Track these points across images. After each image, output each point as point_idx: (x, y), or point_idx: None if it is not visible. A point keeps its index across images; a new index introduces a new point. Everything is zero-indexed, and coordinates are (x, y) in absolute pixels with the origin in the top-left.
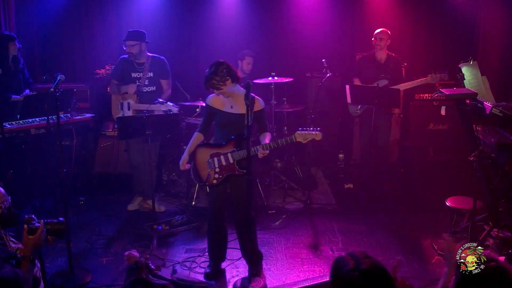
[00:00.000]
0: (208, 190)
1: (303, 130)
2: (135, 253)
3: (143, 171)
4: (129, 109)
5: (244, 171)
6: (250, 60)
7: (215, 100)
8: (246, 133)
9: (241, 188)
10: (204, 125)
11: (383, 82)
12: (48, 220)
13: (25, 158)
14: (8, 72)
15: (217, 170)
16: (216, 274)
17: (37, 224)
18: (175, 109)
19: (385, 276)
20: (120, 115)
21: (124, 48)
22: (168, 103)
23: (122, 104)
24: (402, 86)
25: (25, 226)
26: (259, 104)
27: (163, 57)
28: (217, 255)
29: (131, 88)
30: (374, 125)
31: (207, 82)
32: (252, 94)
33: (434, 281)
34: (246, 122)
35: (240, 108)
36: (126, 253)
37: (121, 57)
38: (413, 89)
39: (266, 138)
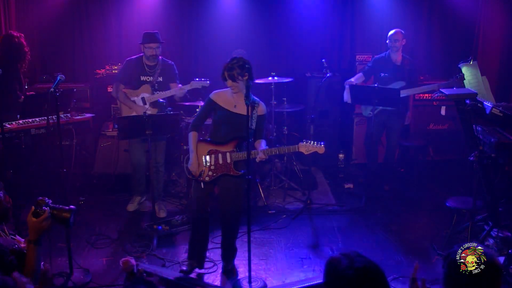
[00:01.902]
0: (202, 186)
1: (307, 141)
2: (132, 260)
3: (144, 171)
4: (145, 103)
5: (239, 172)
6: None
7: (220, 97)
8: (247, 136)
9: (231, 189)
10: (198, 121)
11: (400, 84)
12: (57, 206)
13: (25, 158)
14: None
15: (212, 168)
16: (234, 268)
17: (44, 208)
18: (206, 83)
19: (379, 273)
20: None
21: (145, 52)
22: (196, 79)
23: (135, 101)
24: (423, 89)
25: (33, 207)
26: (262, 109)
27: (171, 62)
28: (200, 253)
29: (146, 88)
30: (387, 126)
31: (228, 71)
32: (257, 98)
33: (433, 281)
34: (248, 124)
35: (243, 108)
36: (122, 260)
37: (128, 59)
38: None
39: (262, 145)
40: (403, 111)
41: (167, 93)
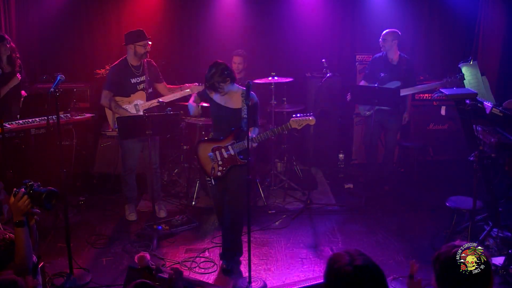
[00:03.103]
0: (213, 183)
1: (297, 116)
2: (147, 255)
3: (136, 174)
4: (138, 111)
5: (245, 161)
6: (237, 60)
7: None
8: (243, 126)
9: (238, 177)
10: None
11: (395, 84)
12: (36, 188)
13: (25, 158)
14: (2, 73)
15: (220, 162)
16: (234, 268)
17: (22, 189)
18: (200, 87)
19: (378, 272)
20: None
21: (137, 50)
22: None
23: (127, 109)
24: (417, 89)
25: (14, 189)
26: (252, 98)
27: (152, 60)
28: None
29: (140, 95)
30: (384, 126)
31: (208, 83)
32: (244, 88)
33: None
34: (243, 115)
35: (233, 103)
36: (138, 255)
37: (112, 66)
38: None
39: (252, 133)
40: (400, 111)
41: (170, 98)
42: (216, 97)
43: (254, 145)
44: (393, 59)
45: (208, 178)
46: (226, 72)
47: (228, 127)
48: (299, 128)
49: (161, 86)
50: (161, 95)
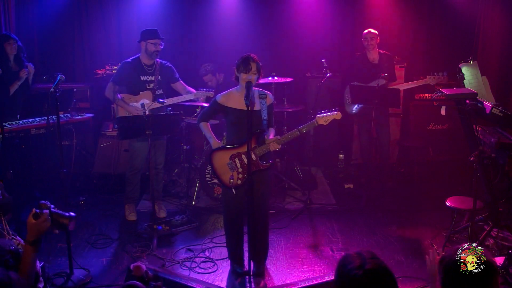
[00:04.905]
0: (234, 192)
1: (322, 112)
2: (143, 266)
3: (141, 174)
4: (144, 110)
5: (268, 164)
6: (207, 78)
7: (228, 99)
8: (264, 128)
9: (260, 182)
10: (205, 116)
11: (381, 82)
12: (59, 212)
13: (25, 158)
14: (10, 72)
15: (240, 170)
16: (263, 270)
17: (44, 211)
18: (210, 93)
19: (388, 278)
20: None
21: (149, 48)
22: (201, 89)
23: (133, 106)
24: (401, 87)
25: (34, 209)
26: (270, 98)
27: (167, 62)
28: (241, 255)
29: (147, 94)
30: (375, 125)
31: (258, 65)
32: (261, 90)
33: None
34: (263, 117)
35: (253, 104)
36: (133, 265)
37: (124, 61)
38: (413, 89)
39: (271, 134)
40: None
41: (174, 100)
42: (234, 104)
43: (279, 147)
44: (374, 58)
45: (225, 187)
46: (261, 65)
47: (244, 132)
48: (325, 124)
49: (176, 86)
50: (178, 95)
